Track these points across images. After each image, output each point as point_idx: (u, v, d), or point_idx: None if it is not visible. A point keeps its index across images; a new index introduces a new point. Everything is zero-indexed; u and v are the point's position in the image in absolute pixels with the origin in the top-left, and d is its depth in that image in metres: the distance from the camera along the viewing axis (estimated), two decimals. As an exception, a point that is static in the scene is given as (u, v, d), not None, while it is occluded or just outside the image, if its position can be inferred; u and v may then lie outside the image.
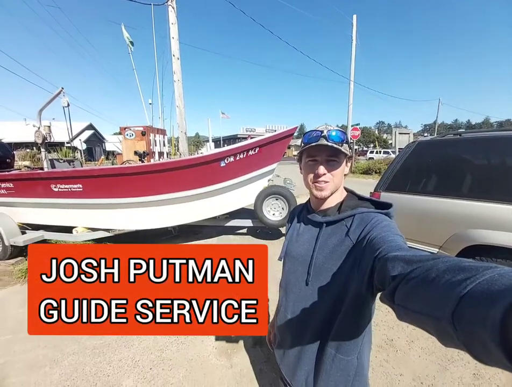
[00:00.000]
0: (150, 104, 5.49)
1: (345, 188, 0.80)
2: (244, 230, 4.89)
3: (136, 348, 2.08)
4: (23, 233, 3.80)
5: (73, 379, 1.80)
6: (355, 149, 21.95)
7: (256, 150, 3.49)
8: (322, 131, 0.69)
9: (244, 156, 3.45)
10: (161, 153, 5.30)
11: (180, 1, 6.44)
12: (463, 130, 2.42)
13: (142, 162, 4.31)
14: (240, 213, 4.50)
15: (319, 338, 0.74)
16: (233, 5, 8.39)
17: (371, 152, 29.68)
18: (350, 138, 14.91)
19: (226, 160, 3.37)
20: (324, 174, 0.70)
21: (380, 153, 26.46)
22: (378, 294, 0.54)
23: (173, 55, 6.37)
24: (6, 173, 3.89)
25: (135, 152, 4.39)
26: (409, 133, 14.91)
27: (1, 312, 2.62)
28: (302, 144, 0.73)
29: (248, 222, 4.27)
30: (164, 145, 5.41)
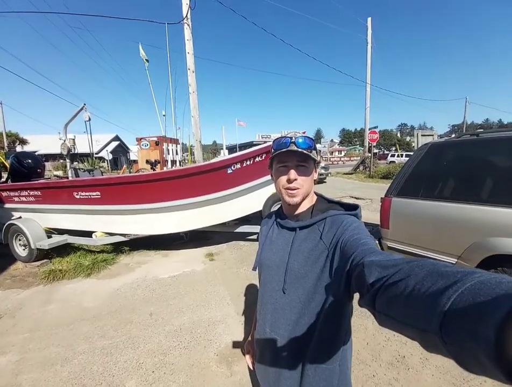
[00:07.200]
0: (163, 115, 5.81)
1: (315, 193, 0.81)
2: (255, 236, 4.88)
3: (142, 350, 2.13)
4: (49, 237, 4.10)
5: (81, 377, 1.88)
6: (375, 153, 21.13)
7: (263, 157, 3.51)
8: (291, 138, 0.71)
9: (251, 162, 3.48)
10: (173, 162, 5.54)
11: (194, 18, 6.81)
12: (481, 130, 2.26)
13: (154, 170, 4.50)
14: (251, 219, 4.51)
15: (299, 348, 0.72)
16: (245, 18, 8.70)
17: (392, 155, 28.49)
18: (369, 142, 14.42)
19: (233, 167, 3.43)
20: (295, 179, 0.71)
21: (402, 156, 25.30)
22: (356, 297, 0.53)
23: (189, 69, 6.69)
24: (35, 182, 4.26)
25: (147, 161, 4.60)
26: (432, 135, 14.03)
27: (22, 311, 2.78)
28: (272, 151, 0.75)
29: (257, 228, 4.26)
30: (176, 153, 5.66)
